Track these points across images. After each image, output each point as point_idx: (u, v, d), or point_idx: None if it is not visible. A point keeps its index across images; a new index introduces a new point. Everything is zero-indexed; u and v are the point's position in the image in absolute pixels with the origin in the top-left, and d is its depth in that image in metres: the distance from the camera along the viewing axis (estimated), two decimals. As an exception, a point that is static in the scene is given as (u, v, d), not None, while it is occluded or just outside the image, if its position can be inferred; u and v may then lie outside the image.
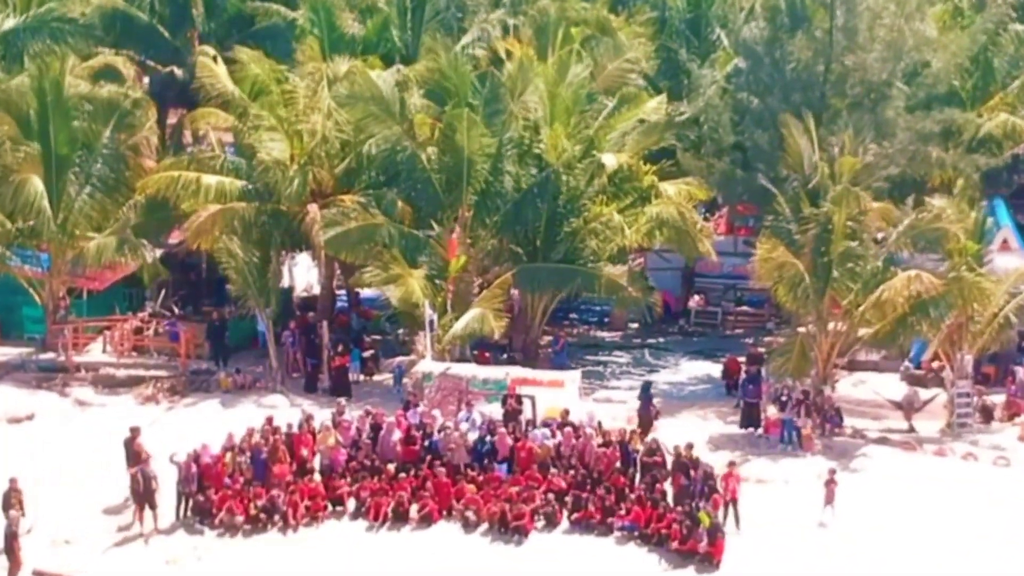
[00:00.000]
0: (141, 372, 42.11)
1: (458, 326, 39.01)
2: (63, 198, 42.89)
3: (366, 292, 49.46)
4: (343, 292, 49.55)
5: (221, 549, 30.67)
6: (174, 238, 47.83)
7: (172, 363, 42.81)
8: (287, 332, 42.85)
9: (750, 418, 38.23)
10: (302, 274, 53.47)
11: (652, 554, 30.42)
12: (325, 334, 41.78)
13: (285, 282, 49.35)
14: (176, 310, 46.45)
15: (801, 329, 38.88)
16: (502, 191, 42.17)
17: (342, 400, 37.22)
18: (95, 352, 43.93)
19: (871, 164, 40.29)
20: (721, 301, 52.31)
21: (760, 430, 38.08)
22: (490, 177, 41.99)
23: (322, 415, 35.57)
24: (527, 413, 35.78)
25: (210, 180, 42.21)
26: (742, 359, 42.08)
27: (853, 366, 42.67)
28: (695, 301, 52.23)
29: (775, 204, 39.85)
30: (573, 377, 37.44)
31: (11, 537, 29.12)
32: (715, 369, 45.41)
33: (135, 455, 32.37)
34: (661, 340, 50.02)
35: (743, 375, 39.93)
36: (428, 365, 37.27)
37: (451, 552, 30.52)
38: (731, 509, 30.83)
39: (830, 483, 31.95)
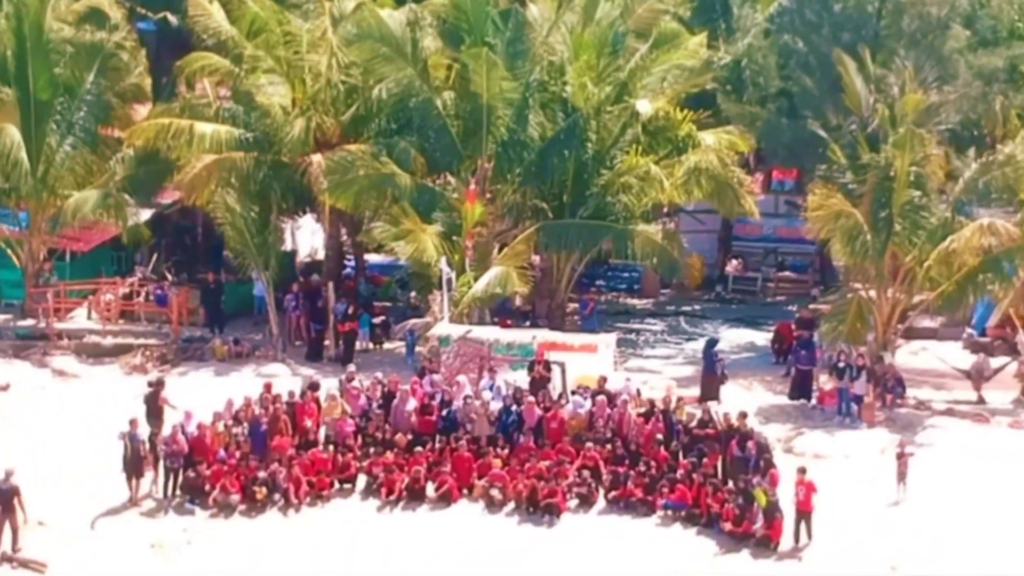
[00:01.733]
0: (129, 340, 39.74)
1: (478, 286, 36.33)
2: (43, 149, 40.67)
3: (375, 259, 47.62)
4: (351, 259, 47.06)
5: (214, 531, 28.24)
6: (167, 198, 45.84)
7: (163, 331, 40.40)
8: (289, 296, 40.39)
9: (802, 388, 35.60)
10: (306, 238, 51.10)
11: (700, 536, 28.10)
12: (331, 297, 39.18)
13: (288, 245, 47.28)
14: (169, 276, 43.74)
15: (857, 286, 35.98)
16: (525, 140, 39.48)
17: (351, 366, 34.37)
18: (79, 319, 41.64)
19: (934, 106, 37.23)
20: (761, 266, 50.18)
21: (813, 401, 35.43)
22: (512, 124, 39.31)
23: (328, 384, 33.09)
24: (556, 381, 33.02)
25: (204, 128, 39.56)
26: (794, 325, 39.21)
27: (909, 334, 39.88)
28: (733, 266, 50.03)
29: (829, 152, 36.90)
30: (608, 341, 34.71)
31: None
32: (758, 337, 42.94)
33: (158, 412, 30.39)
34: (696, 308, 47.51)
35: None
36: (445, 328, 34.49)
37: (473, 534, 28.09)
38: (803, 522, 27.50)
39: (902, 456, 29.31)
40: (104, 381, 36.91)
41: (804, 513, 27.21)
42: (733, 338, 43.37)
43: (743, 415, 30.32)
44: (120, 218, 40.49)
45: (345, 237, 45.52)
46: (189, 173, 38.64)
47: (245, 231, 38.61)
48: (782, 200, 50.30)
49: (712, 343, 36.60)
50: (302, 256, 49.82)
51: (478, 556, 27.04)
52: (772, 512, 27.28)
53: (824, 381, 35.88)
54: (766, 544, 27.10)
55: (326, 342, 39.11)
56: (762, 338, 42.41)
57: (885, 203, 34.98)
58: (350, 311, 38.73)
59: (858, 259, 35.11)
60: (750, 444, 29.08)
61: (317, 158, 38.62)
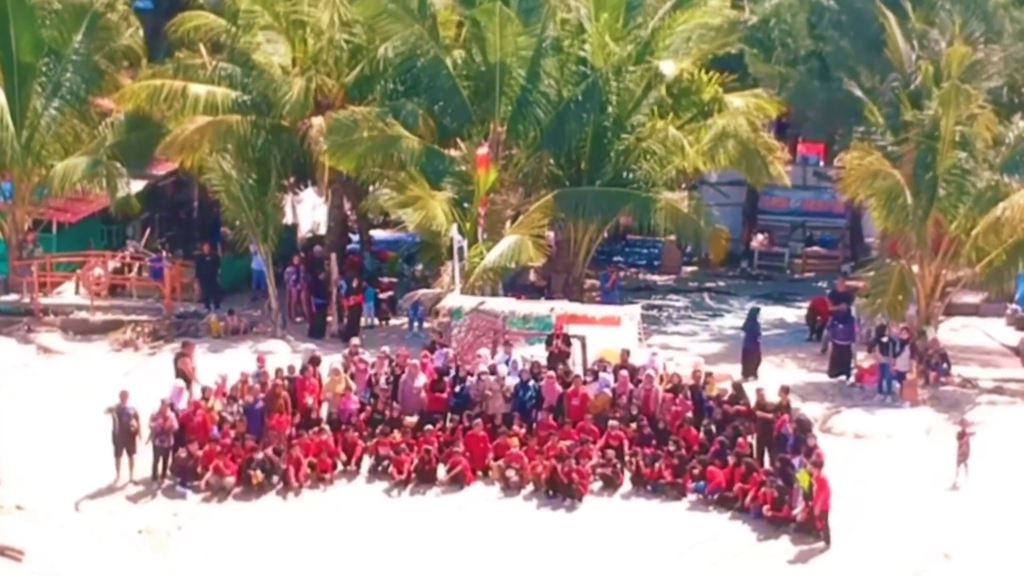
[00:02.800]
0: (119, 317, 37.94)
1: (491, 256, 34.57)
2: (27, 113, 38.93)
3: (380, 234, 46.29)
4: (356, 236, 45.30)
5: (206, 516, 26.49)
6: (161, 169, 44.25)
7: (156, 306, 38.66)
8: (289, 268, 38.74)
9: (840, 363, 33.78)
10: (307, 213, 49.27)
11: (735, 522, 26.28)
12: (335, 269, 37.37)
13: (288, 219, 45.34)
14: (164, 252, 41.86)
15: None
16: (541, 102, 37.66)
17: (356, 340, 32.55)
18: (67, 294, 39.83)
19: (980, 62, 35.33)
20: (788, 241, 48.50)
21: (851, 378, 33.67)
22: (527, 85, 37.50)
23: (331, 360, 31.29)
24: (576, 357, 31.18)
25: (198, 90, 37.89)
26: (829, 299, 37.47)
27: (949, 310, 38.09)
28: (758, 241, 48.29)
29: (866, 113, 35.03)
30: (632, 313, 32.82)
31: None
32: (788, 314, 41.39)
33: (184, 378, 29.47)
34: (721, 284, 45.63)
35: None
36: (457, 300, 32.64)
37: (488, 519, 26.35)
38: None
39: (963, 436, 27.51)
40: (91, 358, 35.21)
41: (822, 512, 25.10)
42: (762, 315, 41.36)
43: (785, 389, 28.54)
44: (110, 187, 38.71)
45: (349, 211, 43.95)
46: (180, 135, 36.74)
47: (242, 199, 36.75)
48: (810, 171, 48.42)
49: (755, 312, 34.91)
50: (304, 231, 48.00)
51: (493, 542, 25.33)
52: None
53: (863, 358, 34.21)
54: (808, 530, 25.26)
55: (329, 318, 37.36)
56: (792, 314, 40.91)
57: (929, 165, 33.31)
58: (355, 284, 36.93)
59: (898, 224, 33.26)
60: (789, 423, 27.40)
61: (318, 120, 37.01)
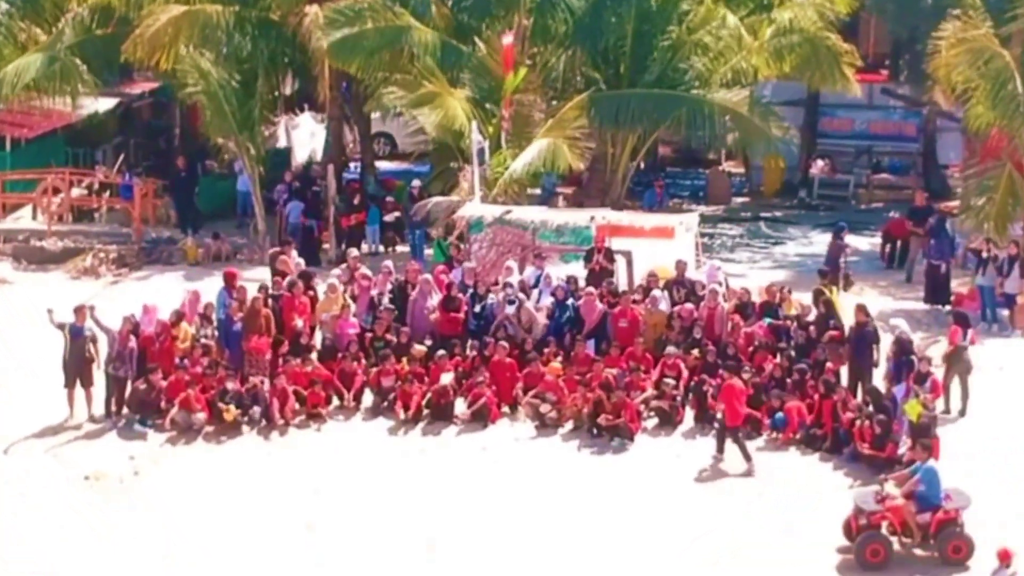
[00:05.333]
0: (81, 245, 34.28)
1: (519, 163, 30.70)
2: (-28, 7, 35.08)
3: (386, 165, 43.06)
4: (354, 165, 41.57)
5: (171, 460, 22.84)
6: (136, 87, 41.30)
7: (125, 231, 35.16)
8: (280, 187, 35.23)
9: (936, 287, 29.62)
10: (304, 140, 45.19)
11: (825, 464, 22.63)
12: (332, 184, 33.76)
13: (282, 143, 41.61)
14: (130, 171, 38.48)
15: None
16: (573, -10, 34.14)
17: (353, 250, 28.51)
18: (24, 220, 36.26)
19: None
20: (853, 168, 44.44)
21: (948, 305, 29.82)
22: (557, -32, 33.96)
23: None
24: (620, 276, 27.22)
25: (172, -25, 34.10)
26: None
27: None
28: (818, 168, 44.27)
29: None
30: (688, 223, 28.83)
31: None
32: (859, 242, 36.87)
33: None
34: (778, 215, 41.61)
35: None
36: (477, 208, 28.56)
37: (518, 463, 22.66)
38: None
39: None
40: (44, 288, 31.40)
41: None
42: (826, 244, 37.50)
43: (863, 309, 24.65)
44: (71, 91, 34.91)
45: (352, 142, 40.64)
46: (149, 29, 32.80)
47: (224, 102, 33.22)
48: (877, 89, 44.19)
49: (841, 229, 31.29)
50: (299, 160, 43.97)
51: (524, 492, 21.57)
52: (926, 431, 21.40)
53: (960, 284, 30.50)
54: None
55: (325, 245, 33.91)
56: (865, 243, 36.84)
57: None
58: (356, 201, 33.15)
59: (1005, 117, 29.01)
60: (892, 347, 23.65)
61: (313, 9, 33.43)
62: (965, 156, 38.64)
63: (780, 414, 23.04)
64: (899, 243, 34.06)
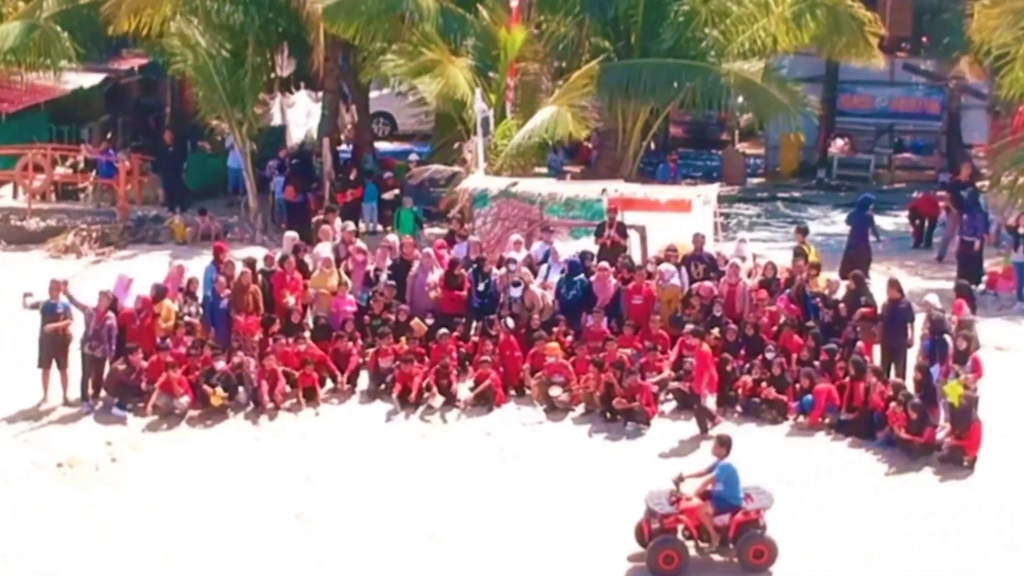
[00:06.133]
0: (63, 224, 33.24)
1: (524, 131, 29.54)
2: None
3: (385, 146, 42.26)
4: (347, 146, 40.90)
5: (152, 447, 21.45)
6: (125, 64, 40.27)
7: (110, 211, 34.17)
8: (272, 162, 34.35)
9: (968, 264, 28.33)
10: (300, 119, 43.96)
11: (856, 450, 21.27)
12: (328, 159, 32.79)
13: (276, 121, 40.49)
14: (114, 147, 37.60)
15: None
16: (582, -46, 32.93)
17: (350, 224, 27.24)
18: (5, 198, 35.39)
19: None
20: (874, 147, 43.40)
21: (982, 285, 28.65)
22: (564, -69, 32.77)
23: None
24: (634, 251, 25.98)
25: (158, -62, 32.97)
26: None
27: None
28: (838, 147, 43.42)
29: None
30: (706, 195, 27.46)
31: None
32: (884, 222, 35.53)
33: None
34: (795, 195, 40.43)
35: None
36: (481, 180, 27.22)
37: (525, 448, 21.39)
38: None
39: None
40: (21, 267, 30.40)
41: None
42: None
43: (896, 284, 23.27)
44: (53, 62, 33.89)
45: (349, 123, 39.98)
46: (133, -7, 31.88)
47: (213, 73, 32.06)
48: (899, 64, 42.96)
49: (868, 202, 29.97)
50: (294, 139, 42.86)
51: (532, 480, 20.26)
52: (966, 415, 20.24)
53: (993, 264, 29.39)
54: (957, 458, 20.30)
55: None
56: (888, 222, 35.38)
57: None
58: (352, 176, 32.01)
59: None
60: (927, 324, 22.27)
61: None
62: (991, 135, 37.47)
63: (808, 396, 21.72)
64: (926, 221, 32.90)
